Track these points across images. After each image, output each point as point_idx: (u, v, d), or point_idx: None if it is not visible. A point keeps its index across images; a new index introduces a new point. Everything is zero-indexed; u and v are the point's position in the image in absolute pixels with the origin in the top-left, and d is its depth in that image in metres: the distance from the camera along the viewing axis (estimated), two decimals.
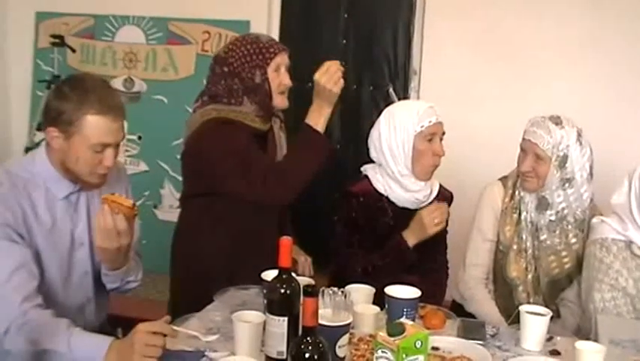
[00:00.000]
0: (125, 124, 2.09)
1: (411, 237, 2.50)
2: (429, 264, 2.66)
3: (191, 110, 2.61)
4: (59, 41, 5.03)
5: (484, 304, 2.62)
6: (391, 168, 2.55)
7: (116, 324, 2.37)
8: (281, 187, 2.38)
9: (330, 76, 2.36)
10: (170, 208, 4.89)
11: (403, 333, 1.56)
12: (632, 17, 4.19)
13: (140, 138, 5.01)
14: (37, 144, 5.00)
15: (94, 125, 1.99)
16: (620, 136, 3.93)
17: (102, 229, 1.98)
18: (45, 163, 2.08)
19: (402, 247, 2.50)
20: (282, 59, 2.51)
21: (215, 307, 2.22)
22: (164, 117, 4.84)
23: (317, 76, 2.37)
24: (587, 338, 2.16)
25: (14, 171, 2.07)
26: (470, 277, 2.68)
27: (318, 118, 2.38)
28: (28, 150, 5.04)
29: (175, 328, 1.92)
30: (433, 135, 2.53)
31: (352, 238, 2.56)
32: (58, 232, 2.10)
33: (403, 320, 1.77)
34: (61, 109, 1.99)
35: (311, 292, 1.51)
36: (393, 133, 2.53)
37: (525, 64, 4.34)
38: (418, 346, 1.57)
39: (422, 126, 2.51)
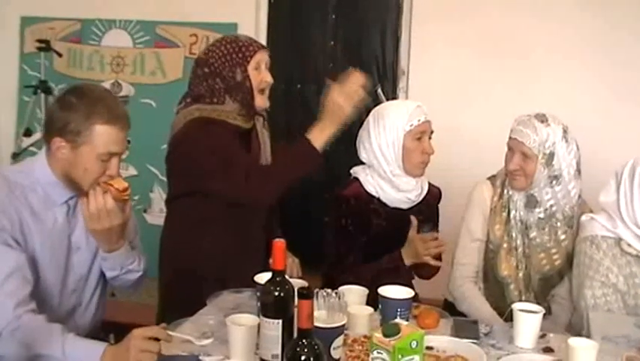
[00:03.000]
0: None
1: (406, 258, 2.52)
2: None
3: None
4: (45, 46, 5.01)
5: (474, 301, 2.62)
6: (383, 168, 2.56)
7: (108, 330, 2.35)
8: (262, 188, 2.38)
9: (348, 95, 2.35)
10: (159, 212, 4.87)
11: (398, 334, 1.56)
12: (619, 18, 4.22)
13: (128, 142, 4.96)
14: (25, 150, 5.03)
15: (103, 134, 2.00)
16: (607, 134, 3.95)
17: (93, 210, 2.01)
18: (45, 170, 2.07)
19: (399, 264, 2.52)
20: (262, 57, 2.51)
21: (209, 311, 2.22)
22: (153, 121, 4.78)
23: (334, 94, 2.35)
24: (579, 334, 2.18)
25: (12, 177, 2.06)
26: (459, 276, 2.68)
27: (319, 135, 2.36)
28: (15, 155, 5.03)
29: (170, 333, 1.90)
30: (422, 134, 2.55)
31: (342, 247, 2.57)
32: (55, 237, 2.10)
33: (397, 320, 1.77)
34: (67, 119, 1.99)
35: (306, 294, 1.50)
36: (382, 133, 2.54)
37: (512, 63, 4.37)
38: (413, 346, 1.57)
39: (411, 125, 2.53)
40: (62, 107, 2.02)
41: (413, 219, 2.52)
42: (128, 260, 2.23)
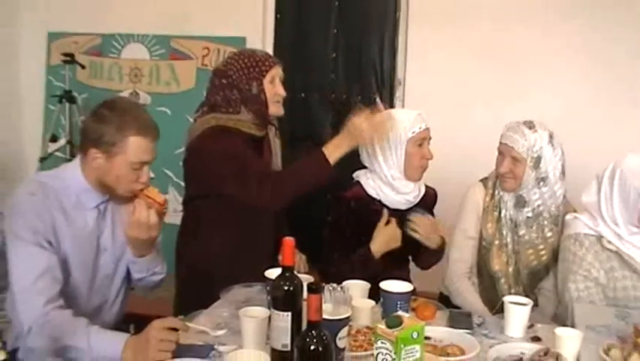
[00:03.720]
0: None
1: (374, 248, 2.50)
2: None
3: (192, 119, 2.61)
4: (70, 59, 5.00)
5: (468, 296, 2.61)
6: (384, 172, 2.55)
7: (128, 321, 2.35)
8: (274, 194, 2.38)
9: (374, 127, 2.35)
10: (174, 212, 4.80)
11: (400, 325, 1.56)
12: (609, 26, 4.20)
13: None
14: (51, 155, 5.03)
15: (136, 145, 2.00)
16: (590, 139, 3.94)
17: (136, 220, 2.02)
18: (78, 176, 2.07)
19: (368, 257, 2.50)
20: (277, 72, 2.51)
21: (222, 304, 2.22)
22: (168, 127, 4.73)
23: (361, 119, 2.34)
24: (564, 324, 2.19)
25: (47, 182, 2.06)
26: (454, 272, 2.67)
27: (334, 151, 2.36)
28: (42, 160, 5.02)
29: (186, 324, 1.92)
30: (422, 140, 2.55)
31: (337, 244, 2.56)
32: (85, 238, 2.10)
33: (397, 312, 1.77)
34: (102, 131, 1.99)
35: (316, 289, 1.50)
36: (385, 139, 2.53)
37: (502, 72, 4.35)
38: (414, 337, 1.56)
39: (413, 132, 2.53)
40: (96, 120, 2.02)
41: (385, 211, 2.50)
42: (154, 264, 2.24)
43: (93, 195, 2.09)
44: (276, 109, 2.52)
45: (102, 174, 2.04)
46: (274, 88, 2.50)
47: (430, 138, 2.58)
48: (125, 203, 2.14)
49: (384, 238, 2.49)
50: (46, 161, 5.02)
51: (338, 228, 2.56)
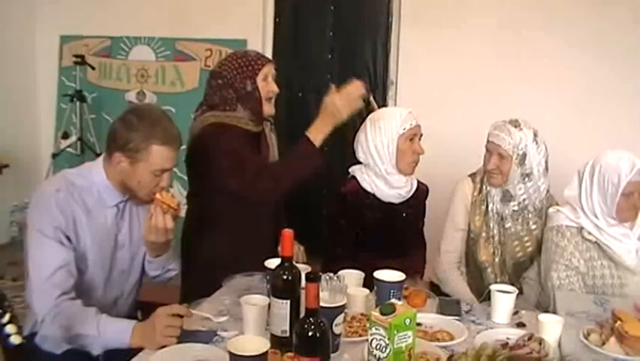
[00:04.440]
0: None
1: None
2: (408, 250, 2.67)
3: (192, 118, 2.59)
4: (80, 60, 5.00)
5: (457, 284, 2.61)
6: (379, 166, 2.54)
7: (136, 307, 2.35)
8: (272, 186, 2.36)
9: (349, 101, 2.32)
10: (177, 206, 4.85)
11: (393, 312, 1.55)
12: (593, 26, 4.20)
13: None
14: (62, 151, 5.02)
15: (159, 154, 1.98)
16: (571, 136, 3.93)
17: (153, 226, 2.00)
18: (101, 175, 2.06)
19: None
20: (269, 70, 2.49)
21: (224, 292, 2.21)
22: None
23: (335, 97, 2.32)
24: (547, 311, 2.20)
25: (72, 180, 2.04)
26: (444, 262, 2.67)
27: (318, 133, 2.34)
28: (54, 155, 5.02)
29: (190, 310, 1.92)
30: (413, 136, 2.54)
31: (332, 240, 2.55)
32: (104, 234, 2.08)
33: (391, 300, 1.76)
34: (129, 138, 1.97)
35: (313, 278, 1.50)
36: (379, 135, 2.53)
37: (489, 73, 4.34)
38: (407, 323, 1.56)
39: (404, 128, 2.52)
40: (124, 126, 2.00)
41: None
42: (169, 262, 2.23)
43: (114, 193, 2.08)
44: (268, 108, 2.49)
45: (125, 178, 2.03)
46: (267, 85, 2.47)
47: (421, 135, 2.57)
48: (144, 203, 2.12)
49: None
50: (58, 157, 5.02)
51: (334, 223, 2.55)
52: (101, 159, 2.10)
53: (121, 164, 2.00)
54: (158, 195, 2.00)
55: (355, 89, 2.36)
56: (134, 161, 1.99)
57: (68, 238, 1.97)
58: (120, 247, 2.14)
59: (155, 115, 2.05)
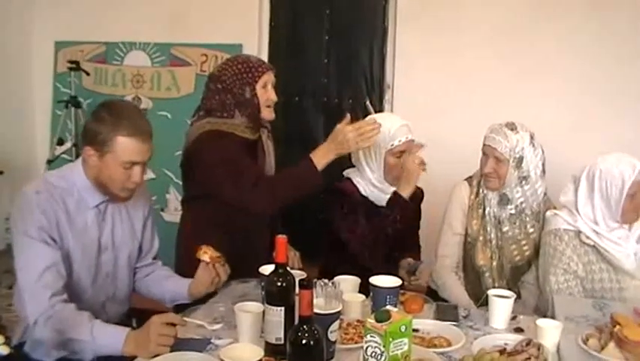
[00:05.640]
0: None
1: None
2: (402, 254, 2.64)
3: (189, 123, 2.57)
4: (75, 66, 4.98)
5: (455, 289, 2.59)
6: (369, 175, 2.55)
7: (131, 315, 2.33)
8: (267, 198, 2.34)
9: (359, 135, 2.30)
10: (175, 211, 4.86)
11: (389, 319, 1.54)
12: (586, 37, 4.19)
13: None
14: (58, 157, 5.00)
15: (125, 145, 1.97)
16: (567, 140, 3.92)
17: (208, 282, 2.11)
18: (81, 175, 2.05)
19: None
20: (269, 77, 2.48)
21: (219, 299, 2.21)
22: (168, 131, 4.72)
23: (347, 128, 2.30)
24: (545, 316, 2.19)
25: (53, 181, 2.04)
26: (442, 267, 2.65)
27: (321, 158, 2.33)
28: (49, 162, 5.00)
29: (184, 318, 1.91)
30: (402, 153, 2.51)
31: (344, 230, 2.51)
32: (87, 237, 2.07)
33: (387, 306, 1.75)
34: (97, 131, 1.97)
35: (307, 284, 1.48)
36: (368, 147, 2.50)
37: (486, 77, 4.33)
38: (402, 330, 1.55)
39: (392, 145, 2.51)
40: (94, 120, 2.01)
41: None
42: None
43: (94, 193, 2.07)
44: (267, 114, 2.49)
45: (97, 173, 2.02)
46: (266, 93, 2.46)
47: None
48: (122, 201, 2.12)
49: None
50: (53, 163, 5.00)
51: (341, 213, 2.52)
52: (79, 159, 2.09)
53: (91, 158, 2.00)
54: (207, 258, 2.07)
55: (370, 127, 2.32)
56: (103, 154, 1.98)
57: (53, 239, 1.96)
58: (104, 249, 2.13)
59: (125, 108, 2.05)
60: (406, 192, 2.47)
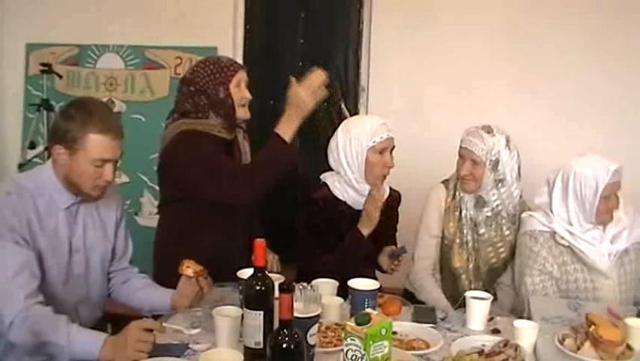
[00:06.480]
0: None
1: (363, 228, 2.47)
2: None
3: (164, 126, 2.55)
4: (47, 69, 4.90)
5: (432, 291, 2.60)
6: (348, 175, 2.52)
7: (106, 321, 2.30)
8: (247, 187, 2.31)
9: (312, 90, 2.30)
10: (149, 215, 4.80)
11: (369, 322, 1.54)
12: (559, 38, 4.23)
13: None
14: (29, 161, 4.92)
15: (96, 142, 1.95)
16: (541, 143, 3.96)
17: (191, 295, 2.09)
18: (51, 176, 2.03)
19: (357, 238, 2.46)
20: (242, 76, 2.47)
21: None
22: (142, 134, 4.69)
23: (299, 89, 2.30)
24: (521, 317, 2.21)
25: (22, 182, 2.02)
26: (419, 269, 2.66)
27: (287, 128, 2.31)
28: (21, 165, 4.92)
29: (163, 324, 1.89)
30: (383, 150, 2.51)
31: (313, 242, 2.50)
32: (58, 239, 2.05)
33: (366, 309, 1.75)
34: (67, 128, 1.95)
35: (286, 288, 1.47)
36: (348, 145, 2.51)
37: (460, 80, 4.36)
38: (382, 333, 1.54)
39: (374, 142, 2.50)
40: (63, 118, 1.99)
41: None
42: None
43: (65, 194, 2.05)
44: (242, 113, 2.48)
45: (68, 172, 2.00)
46: (240, 92, 2.46)
47: (393, 147, 2.55)
48: (94, 201, 2.10)
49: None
50: (25, 167, 4.91)
51: (313, 226, 2.50)
52: (49, 160, 2.07)
53: (61, 156, 1.98)
54: (190, 273, 2.06)
55: (317, 77, 2.33)
56: (73, 152, 1.96)
57: (25, 240, 1.94)
58: (75, 251, 2.11)
59: (94, 105, 2.04)
60: (365, 231, 2.47)
